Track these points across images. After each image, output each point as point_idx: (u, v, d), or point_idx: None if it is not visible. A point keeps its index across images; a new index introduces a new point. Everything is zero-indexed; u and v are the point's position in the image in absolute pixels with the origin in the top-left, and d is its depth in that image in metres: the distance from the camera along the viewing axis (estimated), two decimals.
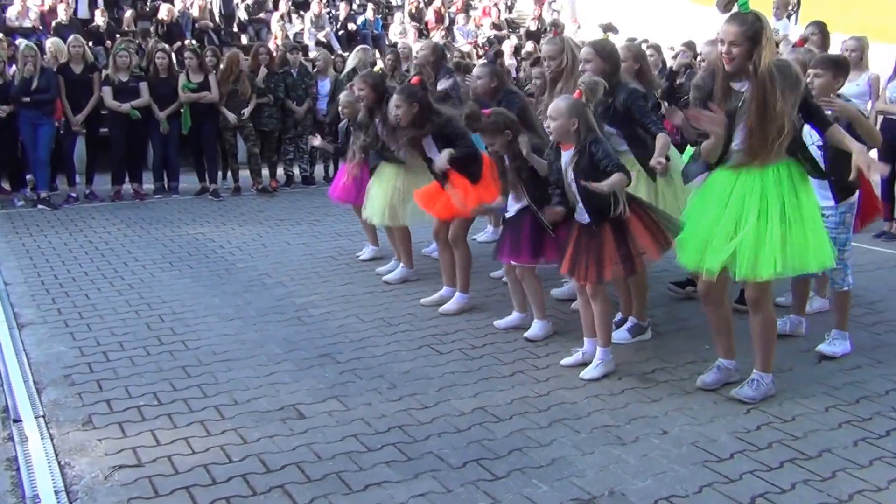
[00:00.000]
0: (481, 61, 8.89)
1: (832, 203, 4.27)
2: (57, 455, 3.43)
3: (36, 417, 3.79)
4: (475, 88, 5.42)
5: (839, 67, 4.33)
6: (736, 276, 3.69)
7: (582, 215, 4.11)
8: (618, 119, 4.53)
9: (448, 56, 10.96)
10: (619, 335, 4.60)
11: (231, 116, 9.14)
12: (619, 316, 4.75)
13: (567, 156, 4.06)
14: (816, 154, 4.02)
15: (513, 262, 4.67)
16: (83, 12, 13.58)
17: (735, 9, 3.54)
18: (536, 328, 4.72)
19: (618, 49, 4.65)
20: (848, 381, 4.11)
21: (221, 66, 9.21)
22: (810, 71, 4.28)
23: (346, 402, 3.93)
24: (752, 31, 3.47)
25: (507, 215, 4.70)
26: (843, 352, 4.42)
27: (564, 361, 4.34)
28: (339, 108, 6.43)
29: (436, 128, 5.03)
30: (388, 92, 5.48)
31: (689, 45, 7.74)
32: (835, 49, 7.63)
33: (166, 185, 9.44)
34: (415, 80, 5.33)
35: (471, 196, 5.02)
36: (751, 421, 3.69)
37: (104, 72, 8.91)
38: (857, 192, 4.36)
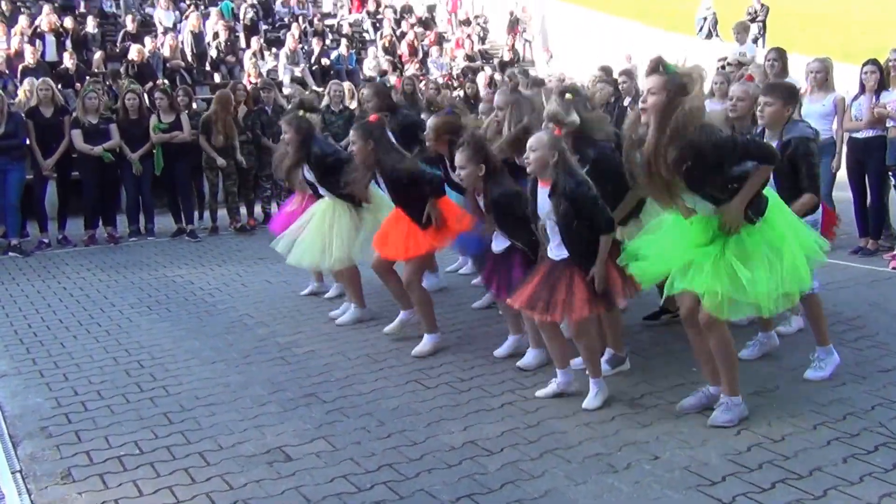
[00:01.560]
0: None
1: None
2: None
3: (13, 472, 3.69)
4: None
5: (789, 95, 4.41)
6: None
7: (560, 251, 4.05)
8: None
9: (417, 90, 11.04)
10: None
11: (220, 161, 9.11)
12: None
13: (545, 193, 3.99)
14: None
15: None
16: (51, 55, 13.52)
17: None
18: (530, 357, 4.68)
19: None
20: (834, 398, 4.12)
21: (216, 107, 9.11)
22: (760, 99, 4.36)
23: (334, 441, 3.87)
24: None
25: (495, 249, 4.62)
26: (833, 368, 4.39)
27: (539, 393, 4.30)
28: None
29: (386, 170, 4.98)
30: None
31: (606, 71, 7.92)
32: (799, 70, 7.79)
33: (141, 228, 9.34)
34: (373, 117, 5.21)
35: (416, 241, 4.97)
36: (741, 442, 3.68)
37: (74, 114, 8.84)
38: (820, 208, 4.44)
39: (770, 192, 3.85)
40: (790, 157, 4.28)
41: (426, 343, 5.06)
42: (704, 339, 3.90)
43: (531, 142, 3.98)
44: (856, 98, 7.23)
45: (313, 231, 5.67)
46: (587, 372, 4.19)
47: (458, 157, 4.39)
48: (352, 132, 5.09)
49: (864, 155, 7.18)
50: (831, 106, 7.22)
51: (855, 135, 7.23)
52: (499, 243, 4.59)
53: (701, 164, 3.50)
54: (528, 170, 4.06)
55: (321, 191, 5.69)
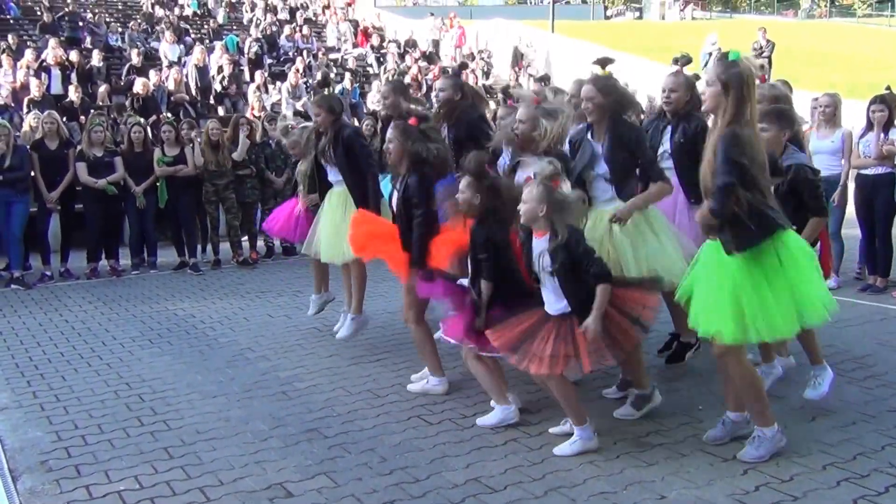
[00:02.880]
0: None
1: None
2: None
3: None
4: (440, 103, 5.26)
5: (784, 120, 4.44)
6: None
7: (559, 303, 3.92)
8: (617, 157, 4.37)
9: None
10: (624, 411, 4.43)
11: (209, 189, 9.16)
12: (615, 390, 4.68)
13: (541, 244, 3.89)
14: None
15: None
16: (56, 88, 13.68)
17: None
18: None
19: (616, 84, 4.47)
20: (844, 438, 4.07)
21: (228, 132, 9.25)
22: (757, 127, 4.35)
23: (336, 478, 3.82)
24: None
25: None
26: (829, 383, 4.37)
27: (553, 430, 4.25)
28: (289, 150, 6.57)
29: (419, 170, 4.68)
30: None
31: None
32: (804, 105, 7.83)
33: (145, 261, 9.34)
34: (412, 121, 4.82)
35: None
36: (749, 482, 3.63)
37: (78, 147, 8.88)
38: (818, 245, 4.45)
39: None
40: (791, 183, 4.31)
41: (433, 385, 4.91)
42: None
43: (523, 195, 3.87)
44: (863, 135, 7.22)
45: (327, 223, 5.67)
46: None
47: (462, 182, 4.28)
48: (390, 130, 4.80)
49: (873, 192, 7.16)
50: (840, 142, 7.25)
51: (864, 171, 7.22)
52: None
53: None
54: (521, 220, 3.94)
55: (335, 178, 5.60)
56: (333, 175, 5.78)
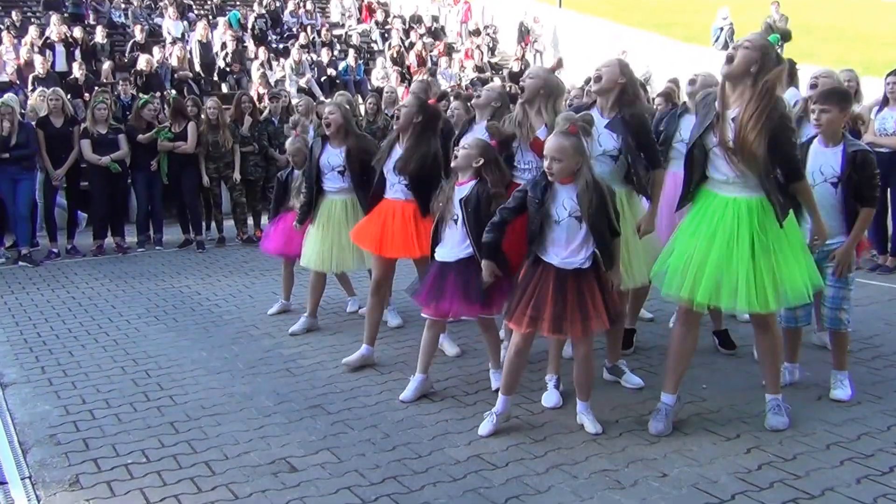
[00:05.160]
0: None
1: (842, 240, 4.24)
2: None
3: (22, 479, 3.69)
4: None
5: (845, 101, 4.26)
6: (741, 308, 3.78)
7: (575, 256, 3.81)
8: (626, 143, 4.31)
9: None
10: (633, 379, 4.60)
11: (205, 179, 9.15)
12: (553, 378, 4.50)
13: (569, 189, 3.79)
14: (829, 189, 4.15)
15: (464, 317, 4.48)
16: (61, 65, 13.63)
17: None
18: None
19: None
20: (848, 418, 4.08)
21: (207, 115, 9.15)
22: (815, 107, 4.21)
23: (339, 453, 3.86)
24: (767, 49, 3.60)
25: (442, 259, 4.35)
26: (852, 386, 4.36)
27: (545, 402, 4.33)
28: (289, 157, 6.36)
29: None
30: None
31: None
32: (804, 81, 7.73)
33: (150, 238, 9.36)
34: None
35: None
36: (751, 461, 3.65)
37: (83, 125, 8.88)
38: None
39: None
40: (859, 170, 4.15)
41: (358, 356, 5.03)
42: (690, 341, 3.95)
43: (554, 151, 3.75)
44: (879, 111, 7.12)
45: (333, 233, 5.54)
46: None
47: (470, 139, 4.37)
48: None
49: (889, 170, 7.01)
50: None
51: (880, 149, 7.02)
52: (452, 252, 4.33)
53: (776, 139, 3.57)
54: (550, 178, 3.83)
55: (336, 185, 5.49)
56: (331, 183, 5.54)
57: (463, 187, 4.25)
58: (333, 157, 5.47)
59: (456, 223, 4.27)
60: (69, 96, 10.49)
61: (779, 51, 3.64)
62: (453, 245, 4.30)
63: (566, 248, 3.82)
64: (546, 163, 3.79)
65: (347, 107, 5.65)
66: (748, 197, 3.70)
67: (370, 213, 5.10)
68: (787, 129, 3.65)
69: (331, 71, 16.24)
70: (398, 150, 4.91)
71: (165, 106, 9.29)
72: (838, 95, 4.27)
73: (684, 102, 5.19)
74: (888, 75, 7.03)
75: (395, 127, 5.11)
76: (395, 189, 4.95)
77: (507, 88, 13.39)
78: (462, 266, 4.25)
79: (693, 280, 3.74)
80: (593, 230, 3.79)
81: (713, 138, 3.71)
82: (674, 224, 4.27)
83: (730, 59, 3.63)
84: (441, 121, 5.13)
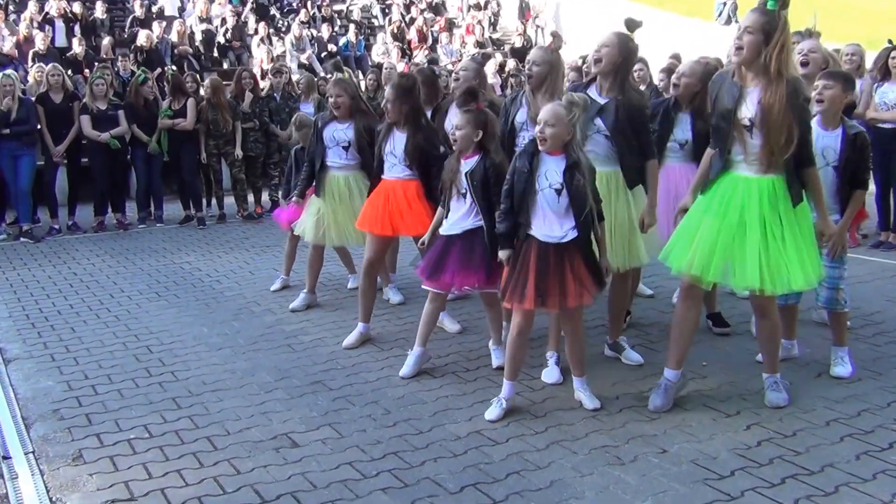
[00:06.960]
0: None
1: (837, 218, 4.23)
2: (48, 491, 3.37)
3: (26, 454, 3.72)
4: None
5: (847, 82, 4.30)
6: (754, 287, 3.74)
7: (553, 229, 3.80)
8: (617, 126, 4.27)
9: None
10: (633, 356, 4.61)
11: (202, 156, 9.11)
12: (553, 354, 4.47)
13: (557, 161, 3.80)
14: (831, 173, 4.14)
15: (466, 288, 4.49)
16: (60, 41, 13.53)
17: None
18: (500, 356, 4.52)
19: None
20: (848, 395, 4.09)
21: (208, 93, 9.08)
22: (818, 83, 4.22)
23: (340, 429, 3.88)
24: (768, 25, 3.52)
25: (448, 232, 4.35)
26: (852, 362, 4.37)
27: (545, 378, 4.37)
28: (301, 142, 6.30)
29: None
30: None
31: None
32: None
33: (151, 214, 9.35)
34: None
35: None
36: (751, 437, 3.67)
37: (83, 100, 8.84)
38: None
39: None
40: (859, 151, 4.17)
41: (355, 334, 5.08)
42: (691, 318, 3.95)
43: (548, 116, 3.75)
44: (879, 86, 7.06)
45: (334, 207, 5.53)
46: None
47: (459, 118, 4.30)
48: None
49: (891, 145, 7.00)
50: (858, 91, 6.96)
51: (882, 125, 7.02)
52: (458, 224, 4.32)
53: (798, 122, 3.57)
54: (543, 146, 3.81)
55: (341, 161, 5.46)
56: (335, 158, 5.50)
57: (469, 161, 4.27)
58: (339, 132, 5.45)
59: (464, 197, 4.27)
60: (69, 72, 10.44)
61: (784, 14, 3.56)
62: (460, 218, 4.31)
63: (543, 220, 3.82)
64: (538, 128, 3.79)
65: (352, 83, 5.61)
66: (761, 177, 3.69)
67: (370, 196, 5.09)
68: (807, 112, 3.67)
69: (331, 46, 16.12)
70: (396, 133, 4.90)
71: (165, 82, 9.22)
72: (842, 75, 4.31)
73: (675, 97, 5.05)
74: (893, 49, 6.96)
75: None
76: (395, 169, 4.94)
77: (515, 64, 13.27)
78: (467, 238, 4.28)
79: (703, 258, 3.74)
80: (573, 205, 3.77)
81: (746, 111, 3.67)
82: (671, 213, 4.30)
83: (739, 49, 3.62)
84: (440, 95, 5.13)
